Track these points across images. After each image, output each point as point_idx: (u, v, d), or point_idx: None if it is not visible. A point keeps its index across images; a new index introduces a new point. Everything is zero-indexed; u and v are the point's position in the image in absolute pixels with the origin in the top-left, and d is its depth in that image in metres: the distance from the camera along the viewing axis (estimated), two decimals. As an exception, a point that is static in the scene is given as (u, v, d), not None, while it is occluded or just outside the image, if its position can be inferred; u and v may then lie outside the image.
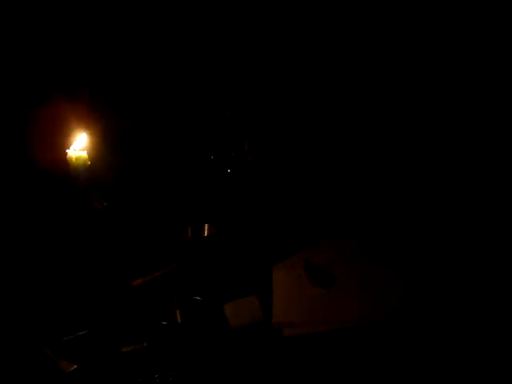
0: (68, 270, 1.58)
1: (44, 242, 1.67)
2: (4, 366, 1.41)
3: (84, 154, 1.51)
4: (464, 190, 1.84)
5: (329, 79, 1.95)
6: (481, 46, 1.80)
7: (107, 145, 1.72)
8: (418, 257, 1.69)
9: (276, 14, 1.89)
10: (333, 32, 1.90)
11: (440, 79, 1.88)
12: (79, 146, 1.52)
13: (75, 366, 1.40)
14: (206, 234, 1.77)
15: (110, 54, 1.85)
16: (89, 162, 1.52)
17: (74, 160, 1.51)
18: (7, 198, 1.74)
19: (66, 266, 1.59)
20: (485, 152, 1.85)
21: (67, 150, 1.51)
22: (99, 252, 1.58)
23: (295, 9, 1.89)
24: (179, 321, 1.55)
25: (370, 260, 1.72)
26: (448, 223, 1.77)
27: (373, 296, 1.59)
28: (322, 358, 1.43)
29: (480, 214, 1.77)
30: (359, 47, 1.91)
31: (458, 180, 1.86)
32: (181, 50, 1.91)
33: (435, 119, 1.90)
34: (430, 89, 1.89)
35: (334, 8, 1.88)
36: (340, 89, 1.96)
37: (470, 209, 1.79)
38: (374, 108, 1.96)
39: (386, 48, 1.89)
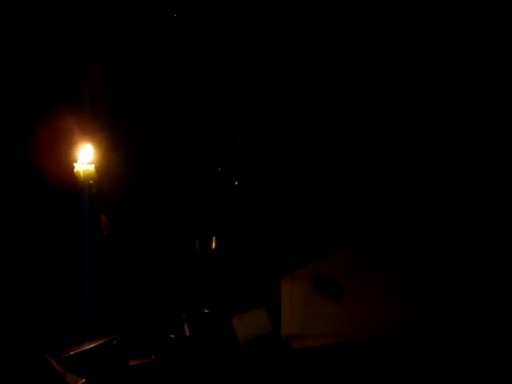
0: (76, 282, 1.58)
1: (52, 255, 1.68)
2: (11, 380, 1.41)
3: (91, 168, 1.52)
4: (466, 196, 1.83)
5: (331, 88, 1.96)
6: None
7: (114, 157, 1.73)
8: (428, 266, 1.68)
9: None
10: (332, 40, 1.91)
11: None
12: (86, 159, 1.52)
13: (83, 380, 1.39)
14: (213, 247, 1.77)
15: (114, 65, 1.86)
16: (96, 176, 1.52)
17: (81, 174, 1.52)
18: (14, 210, 1.75)
19: (74, 278, 1.59)
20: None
21: (75, 164, 1.52)
22: (106, 264, 1.58)
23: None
24: (187, 334, 1.54)
25: (379, 270, 1.71)
26: (454, 231, 1.77)
27: (382, 307, 1.57)
28: (331, 370, 1.42)
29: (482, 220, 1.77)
30: (359, 50, 1.92)
31: (460, 187, 1.85)
32: (187, 60, 1.93)
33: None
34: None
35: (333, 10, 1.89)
36: (341, 98, 1.96)
37: (472, 216, 1.79)
38: (377, 118, 1.97)
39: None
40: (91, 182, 1.52)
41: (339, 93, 1.97)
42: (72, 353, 1.45)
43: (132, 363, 1.44)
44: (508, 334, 1.43)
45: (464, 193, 1.84)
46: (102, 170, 1.55)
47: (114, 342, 1.48)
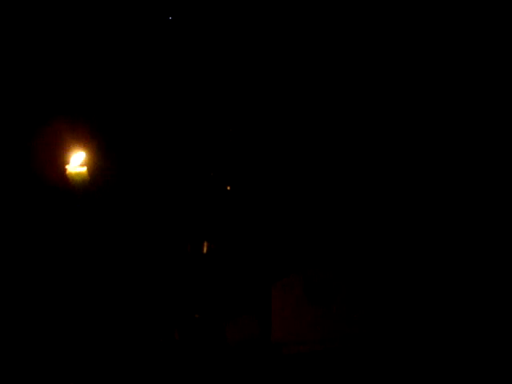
0: (66, 284, 1.58)
1: (43, 256, 1.67)
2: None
3: (84, 170, 1.51)
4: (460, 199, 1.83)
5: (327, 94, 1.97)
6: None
7: (106, 160, 1.73)
8: (418, 274, 1.68)
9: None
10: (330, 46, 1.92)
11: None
12: (78, 161, 1.51)
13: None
14: (205, 252, 1.77)
15: (109, 67, 1.86)
16: (88, 178, 1.51)
17: (73, 176, 1.51)
18: (6, 212, 1.74)
19: (64, 280, 1.58)
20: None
21: (67, 166, 1.51)
22: (97, 266, 1.57)
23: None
24: (177, 338, 1.54)
25: (369, 278, 1.71)
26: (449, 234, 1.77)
27: (373, 314, 1.58)
28: (321, 376, 1.42)
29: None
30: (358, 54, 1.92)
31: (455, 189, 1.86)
32: (181, 63, 1.93)
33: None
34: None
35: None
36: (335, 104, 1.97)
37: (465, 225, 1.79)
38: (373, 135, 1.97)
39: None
40: (83, 184, 1.51)
41: (328, 101, 1.97)
42: (62, 357, 1.45)
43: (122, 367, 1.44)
44: (507, 335, 1.44)
45: (458, 195, 1.85)
46: (95, 173, 1.55)
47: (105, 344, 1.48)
